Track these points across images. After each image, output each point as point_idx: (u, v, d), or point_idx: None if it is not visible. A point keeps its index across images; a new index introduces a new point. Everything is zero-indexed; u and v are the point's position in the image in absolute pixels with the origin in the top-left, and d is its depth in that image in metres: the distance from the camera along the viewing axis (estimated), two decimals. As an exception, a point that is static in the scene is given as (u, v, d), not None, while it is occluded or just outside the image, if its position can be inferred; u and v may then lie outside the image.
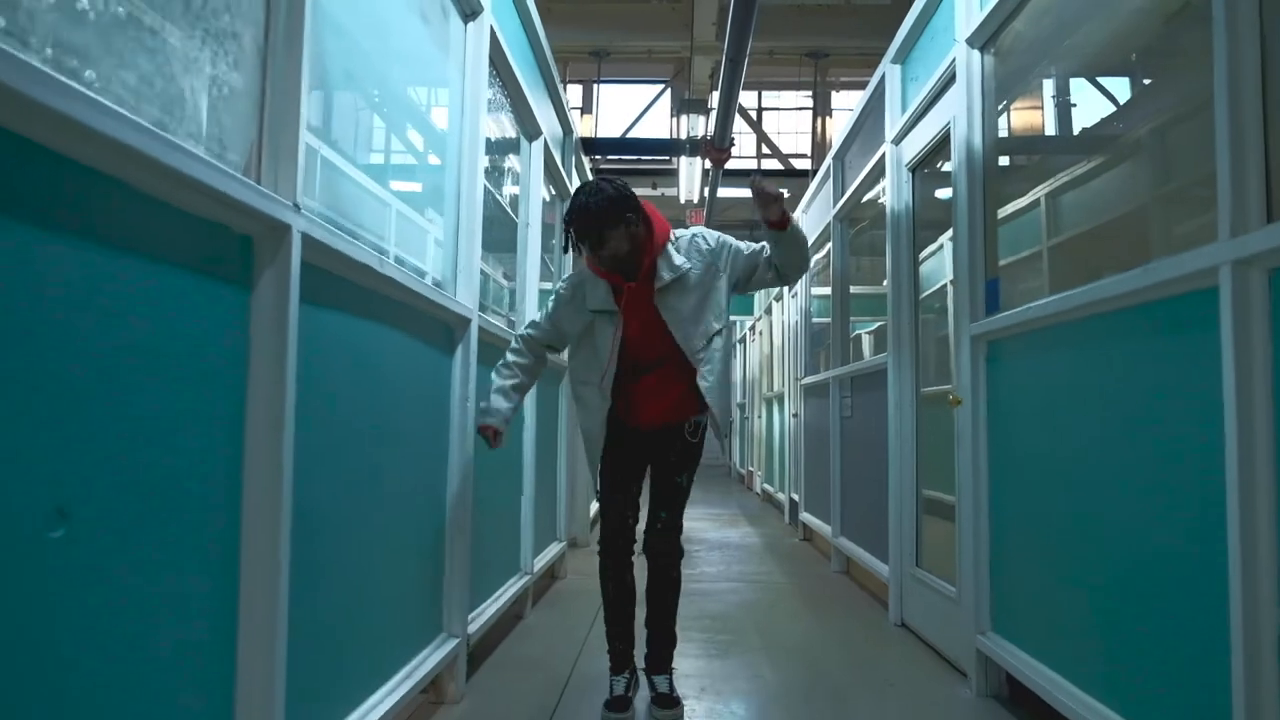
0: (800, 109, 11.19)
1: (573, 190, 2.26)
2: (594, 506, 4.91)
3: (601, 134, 10.14)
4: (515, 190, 3.34)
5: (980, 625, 2.19)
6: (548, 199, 3.79)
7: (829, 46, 8.90)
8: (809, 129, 10.78)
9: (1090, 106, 2.39)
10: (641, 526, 2.16)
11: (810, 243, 5.01)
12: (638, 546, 2.14)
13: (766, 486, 7.52)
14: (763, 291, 7.53)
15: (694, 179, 8.30)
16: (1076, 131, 2.45)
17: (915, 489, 2.96)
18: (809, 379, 4.98)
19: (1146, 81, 2.08)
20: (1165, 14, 1.74)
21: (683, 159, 8.10)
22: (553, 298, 2.20)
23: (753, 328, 9.33)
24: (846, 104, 10.51)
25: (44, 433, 0.80)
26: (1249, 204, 1.19)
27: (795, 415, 5.54)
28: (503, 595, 2.64)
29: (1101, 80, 2.31)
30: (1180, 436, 1.38)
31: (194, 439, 1.03)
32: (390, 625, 1.75)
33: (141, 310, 0.93)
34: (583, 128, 9.36)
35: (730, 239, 2.12)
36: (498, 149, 2.92)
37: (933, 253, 3.25)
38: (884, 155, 3.20)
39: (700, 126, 7.82)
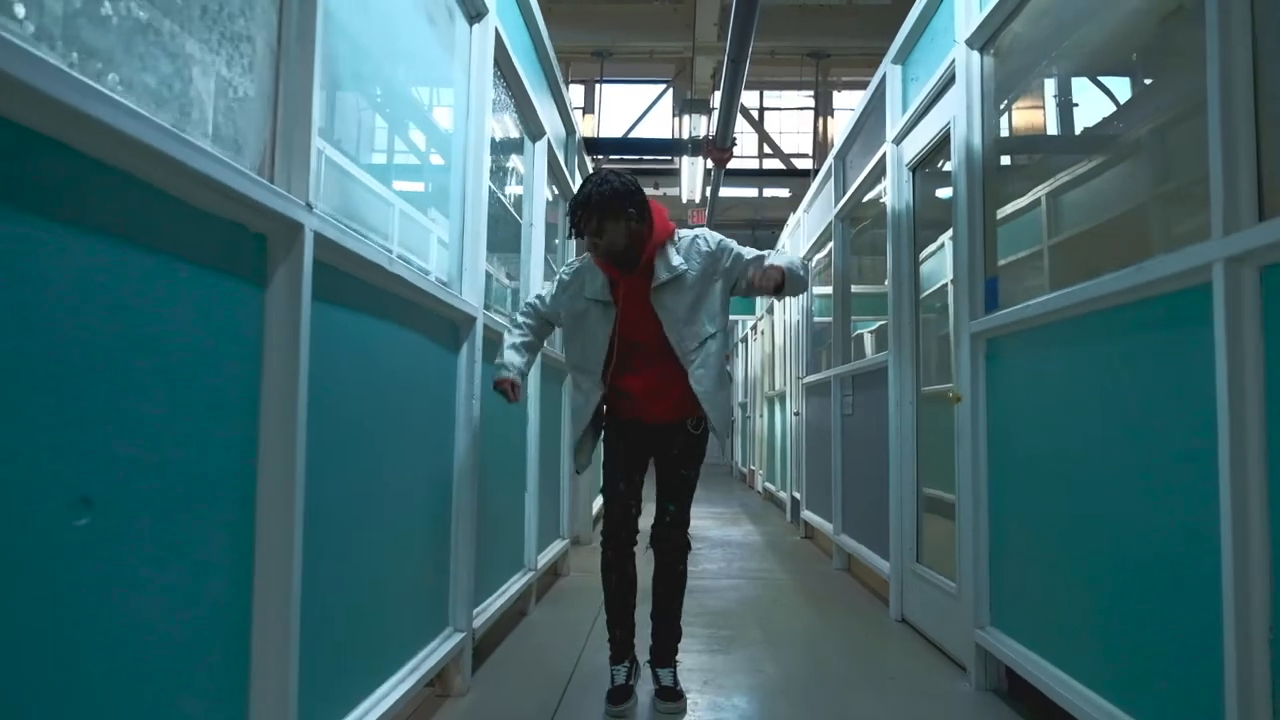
0: (802, 109, 11.21)
1: (575, 188, 2.29)
2: (596, 504, 4.94)
3: (604, 134, 10.17)
4: (518, 190, 3.36)
5: (979, 620, 2.21)
6: (551, 199, 3.82)
7: (830, 46, 8.93)
8: (810, 128, 10.80)
9: (1090, 106, 2.41)
10: (646, 522, 2.18)
11: (812, 243, 5.05)
12: (641, 539, 2.17)
13: (768, 485, 7.55)
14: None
15: (696, 179, 8.33)
16: (1077, 131, 2.47)
17: (916, 485, 2.98)
18: (810, 378, 5.00)
19: (1147, 81, 2.10)
20: (1160, 15, 1.76)
21: (685, 159, 8.13)
22: (556, 279, 2.25)
23: (754, 327, 9.35)
24: (848, 104, 10.52)
25: (69, 422, 0.82)
26: (1241, 202, 1.22)
27: (797, 414, 5.56)
28: (507, 591, 2.67)
29: (1101, 80, 2.33)
30: (1175, 432, 1.40)
31: (211, 432, 1.06)
32: (398, 618, 1.78)
33: (162, 306, 0.96)
34: (585, 128, 9.38)
35: (731, 243, 2.13)
36: (501, 149, 2.94)
37: (933, 252, 3.27)
38: (885, 155, 3.23)
39: (702, 126, 7.85)
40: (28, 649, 0.77)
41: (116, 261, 0.88)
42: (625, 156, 9.32)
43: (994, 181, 2.32)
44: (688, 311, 2.04)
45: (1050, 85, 2.47)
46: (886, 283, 3.20)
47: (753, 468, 9.08)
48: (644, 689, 2.17)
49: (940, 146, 2.73)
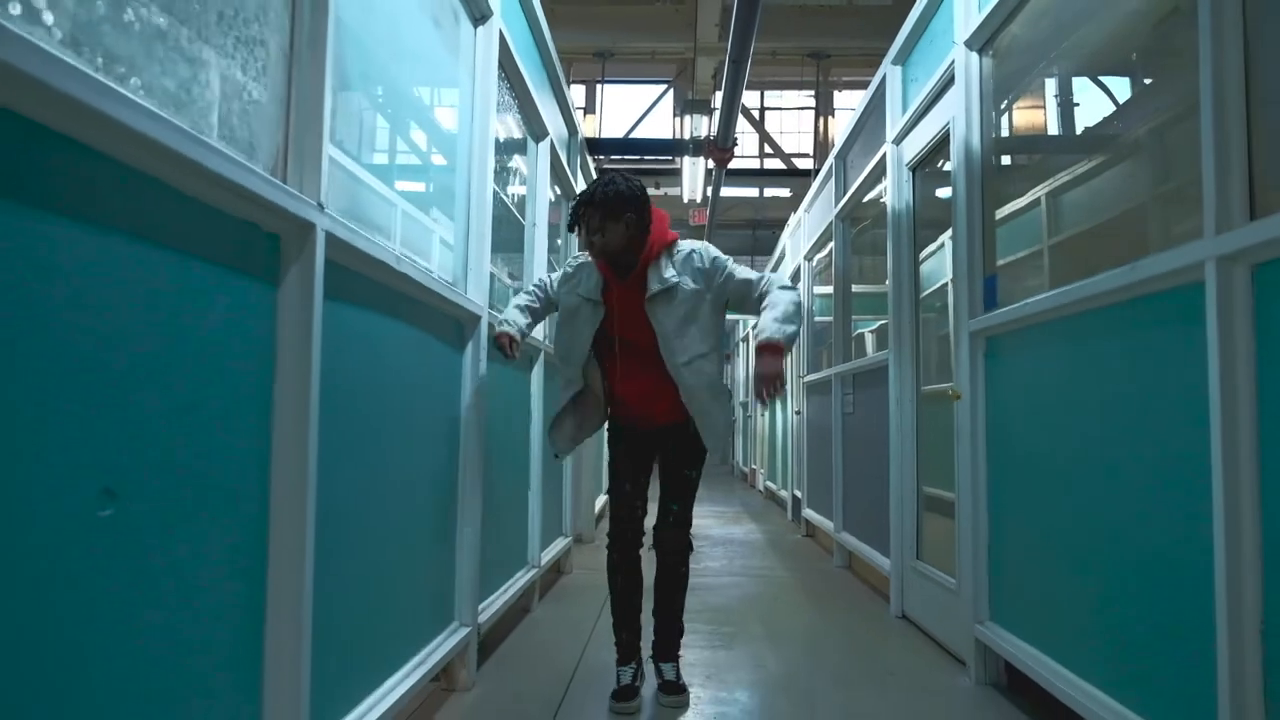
0: (803, 109, 11.24)
1: (579, 190, 2.31)
2: (599, 503, 4.96)
3: (605, 134, 10.21)
4: (521, 190, 3.39)
5: (979, 615, 2.24)
6: (553, 199, 3.84)
7: (831, 47, 8.97)
8: (811, 128, 10.82)
9: (1089, 107, 2.43)
10: (650, 521, 2.20)
11: (813, 242, 5.07)
12: (646, 539, 2.19)
13: (769, 484, 7.57)
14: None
15: (697, 179, 8.36)
16: (1076, 131, 2.49)
17: (916, 483, 3.00)
18: (811, 376, 5.03)
19: (1146, 82, 2.12)
20: (1157, 17, 1.78)
21: (686, 159, 8.16)
22: (561, 269, 2.30)
23: (755, 326, 9.34)
24: (848, 104, 10.55)
25: (92, 416, 0.85)
26: (1232, 202, 1.24)
27: (798, 412, 5.58)
28: (511, 587, 2.69)
29: (1100, 80, 2.35)
30: (1170, 429, 1.42)
31: (226, 428, 1.08)
32: (404, 613, 1.80)
33: (178, 304, 0.98)
34: (586, 128, 9.41)
35: (727, 262, 2.13)
36: (504, 150, 2.97)
37: (933, 252, 3.29)
38: (885, 155, 3.25)
39: (703, 126, 7.88)
40: (50, 633, 0.80)
41: (137, 261, 0.91)
42: (626, 156, 9.35)
43: (993, 181, 2.35)
44: (678, 325, 2.04)
45: (1049, 85, 2.50)
46: (887, 282, 3.22)
47: (754, 467, 9.10)
48: (647, 684, 2.19)
49: (940, 146, 2.76)
